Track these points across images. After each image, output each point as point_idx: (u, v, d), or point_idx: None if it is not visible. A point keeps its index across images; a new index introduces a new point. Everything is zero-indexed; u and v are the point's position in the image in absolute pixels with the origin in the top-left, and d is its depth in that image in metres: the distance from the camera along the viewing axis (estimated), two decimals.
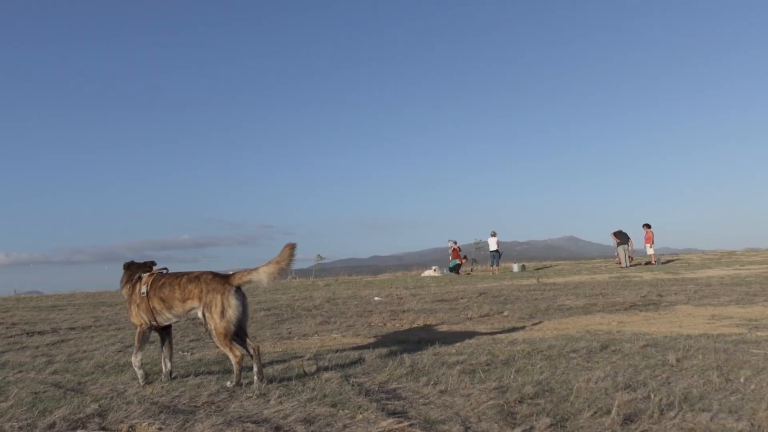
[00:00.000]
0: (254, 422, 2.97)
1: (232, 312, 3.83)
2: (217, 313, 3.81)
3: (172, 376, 4.19)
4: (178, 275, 4.07)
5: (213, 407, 3.32)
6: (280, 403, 3.33)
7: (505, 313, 8.00)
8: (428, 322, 7.29)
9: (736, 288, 10.42)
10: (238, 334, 3.93)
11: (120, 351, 5.69)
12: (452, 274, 22.25)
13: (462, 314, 8.07)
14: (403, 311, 8.68)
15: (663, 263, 21.66)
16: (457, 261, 23.16)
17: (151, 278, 4.11)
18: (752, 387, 3.39)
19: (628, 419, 2.86)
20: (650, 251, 22.24)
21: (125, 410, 3.26)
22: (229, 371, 4.31)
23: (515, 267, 23.33)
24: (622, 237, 21.71)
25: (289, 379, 3.96)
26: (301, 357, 4.91)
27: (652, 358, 4.32)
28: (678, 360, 4.18)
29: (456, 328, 6.80)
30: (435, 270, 22.66)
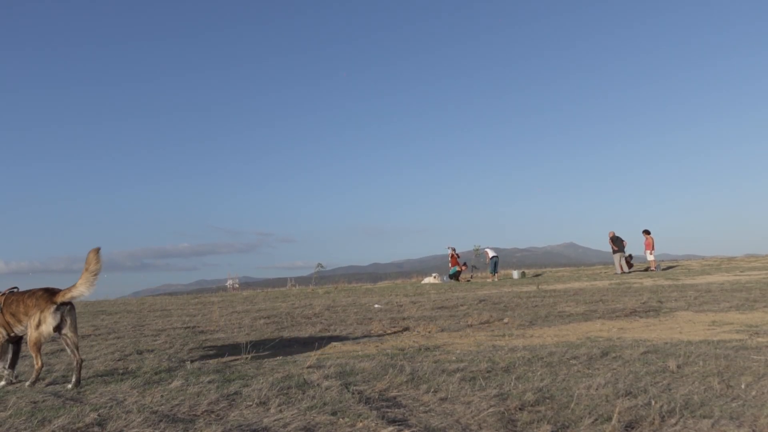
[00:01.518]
0: (254, 431, 2.97)
1: (46, 327, 4.42)
2: (34, 325, 4.44)
3: (16, 378, 4.75)
4: (24, 292, 4.67)
5: (213, 416, 3.31)
6: (280, 411, 3.32)
7: (506, 320, 7.98)
8: (428, 330, 7.28)
9: (736, 294, 10.41)
10: (68, 345, 4.52)
11: (120, 360, 5.68)
12: (452, 281, 22.22)
13: (462, 321, 8.05)
14: (403, 318, 8.67)
15: (663, 269, 21.67)
16: (457, 268, 23.15)
17: (3, 297, 4.70)
18: (753, 393, 3.39)
19: (629, 426, 2.86)
20: (650, 257, 22.26)
21: (125, 419, 3.25)
22: (230, 380, 4.31)
23: (515, 274, 23.31)
24: (618, 244, 21.86)
25: (289, 387, 3.95)
26: (301, 365, 4.90)
27: (653, 365, 4.31)
28: (679, 366, 4.17)
29: (456, 335, 6.79)
30: (435, 277, 22.63)
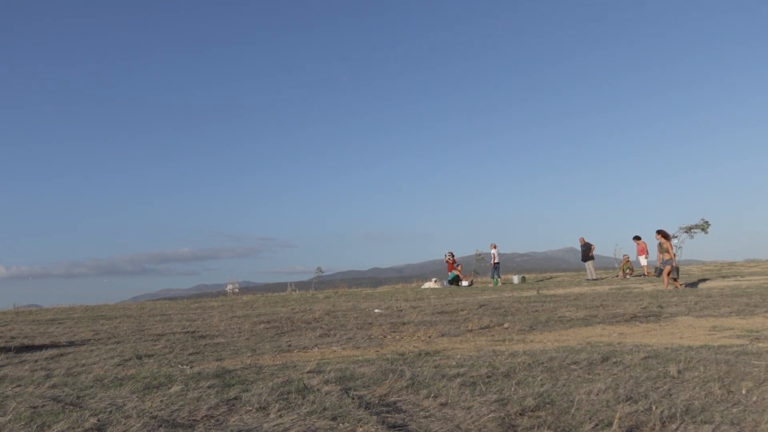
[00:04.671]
0: None
1: None
2: None
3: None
4: None
5: (212, 421, 3.31)
6: (280, 416, 3.31)
7: (506, 325, 7.97)
8: (428, 335, 7.27)
9: (736, 299, 10.40)
10: None
11: (119, 365, 5.66)
12: (452, 286, 22.22)
13: (462, 326, 8.04)
14: (404, 323, 8.65)
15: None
16: (455, 273, 23.16)
17: None
18: (754, 399, 3.39)
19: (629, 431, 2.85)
20: (644, 263, 22.35)
21: (124, 424, 3.24)
22: (229, 385, 4.30)
23: (515, 278, 23.32)
24: (591, 251, 22.28)
25: (289, 392, 3.94)
26: (301, 370, 4.89)
27: (654, 370, 4.31)
28: (679, 371, 4.17)
29: (456, 340, 6.77)
30: (435, 282, 22.63)
